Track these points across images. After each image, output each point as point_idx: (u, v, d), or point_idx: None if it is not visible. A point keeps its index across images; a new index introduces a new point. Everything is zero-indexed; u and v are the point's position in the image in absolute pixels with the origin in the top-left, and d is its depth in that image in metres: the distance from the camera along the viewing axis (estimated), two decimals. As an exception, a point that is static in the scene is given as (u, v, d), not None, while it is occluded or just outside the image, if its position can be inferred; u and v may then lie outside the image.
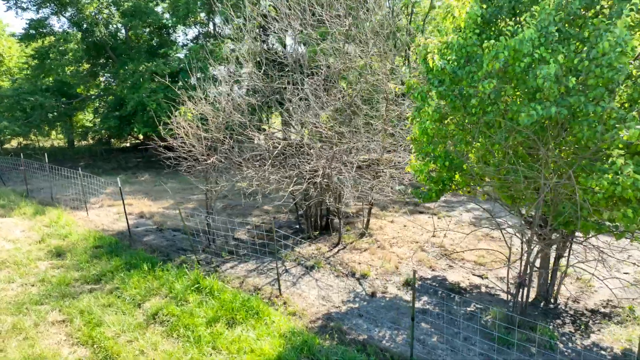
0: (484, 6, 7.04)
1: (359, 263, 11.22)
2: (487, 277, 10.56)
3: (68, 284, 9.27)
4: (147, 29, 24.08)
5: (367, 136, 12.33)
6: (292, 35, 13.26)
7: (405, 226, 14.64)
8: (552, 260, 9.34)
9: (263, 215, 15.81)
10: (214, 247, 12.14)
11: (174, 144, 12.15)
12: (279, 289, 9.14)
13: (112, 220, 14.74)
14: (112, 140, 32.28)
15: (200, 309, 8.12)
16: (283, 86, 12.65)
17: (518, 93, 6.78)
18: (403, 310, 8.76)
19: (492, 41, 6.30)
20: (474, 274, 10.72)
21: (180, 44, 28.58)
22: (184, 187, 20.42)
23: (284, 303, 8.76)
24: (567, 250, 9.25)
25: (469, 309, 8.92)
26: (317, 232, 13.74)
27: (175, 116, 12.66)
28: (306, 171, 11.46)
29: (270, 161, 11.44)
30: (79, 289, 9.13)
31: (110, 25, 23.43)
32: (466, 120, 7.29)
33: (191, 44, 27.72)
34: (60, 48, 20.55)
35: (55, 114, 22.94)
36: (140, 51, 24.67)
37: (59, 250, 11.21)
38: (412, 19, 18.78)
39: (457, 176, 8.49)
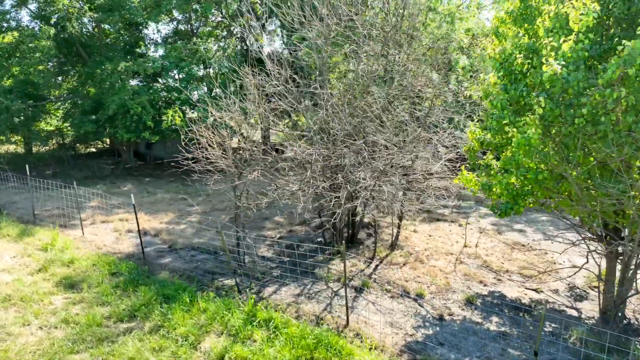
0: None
1: (407, 280, 10.57)
2: (542, 291, 10.21)
3: (99, 324, 7.95)
4: (119, 25, 22.13)
5: (410, 145, 11.66)
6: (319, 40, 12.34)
7: (430, 236, 14.14)
8: (617, 274, 9.09)
9: (278, 227, 14.79)
10: (245, 268, 11.05)
11: (196, 154, 10.93)
12: (347, 319, 8.28)
13: (113, 239, 13.20)
14: (77, 145, 29.70)
15: (272, 349, 7.13)
16: (315, 91, 11.73)
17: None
18: (482, 334, 8.18)
19: (625, 46, 5.81)
20: (527, 288, 10.35)
21: (153, 42, 26.70)
22: (175, 198, 18.92)
23: (357, 335, 7.93)
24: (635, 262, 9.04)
25: (546, 328, 8.48)
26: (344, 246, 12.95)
27: (193, 123, 11.43)
28: (352, 181, 10.66)
29: (309, 172, 10.52)
30: (114, 330, 7.84)
31: (81, 21, 21.32)
32: (570, 130, 6.78)
33: (164, 42, 25.92)
34: (30, 45, 18.37)
35: (22, 118, 20.56)
36: (116, 49, 22.70)
37: (70, 281, 9.73)
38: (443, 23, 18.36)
39: (536, 189, 7.99)
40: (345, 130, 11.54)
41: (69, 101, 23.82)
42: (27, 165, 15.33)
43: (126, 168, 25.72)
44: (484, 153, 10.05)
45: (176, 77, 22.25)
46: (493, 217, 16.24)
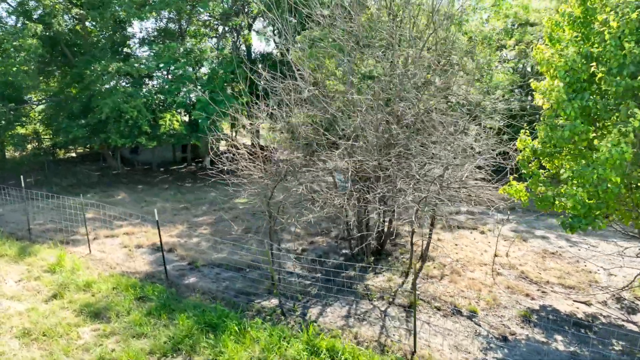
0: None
1: (452, 295, 10.09)
2: (591, 304, 9.94)
3: (142, 361, 7.07)
4: (110, 23, 20.75)
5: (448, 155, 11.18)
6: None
7: (456, 245, 13.76)
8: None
9: (297, 239, 14.05)
10: (279, 287, 10.29)
11: (228, 166, 10.13)
12: (414, 347, 7.69)
13: (124, 257, 12.16)
14: (56, 150, 27.91)
15: (348, 385, 6.47)
16: (351, 97, 11.09)
17: None
18: (552, 355, 7.77)
19: None
20: (576, 301, 10.05)
21: (140, 41, 25.32)
22: (177, 207, 17.85)
23: (428, 362, 7.36)
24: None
25: (614, 346, 8.16)
26: (373, 258, 12.41)
27: (217, 131, 10.61)
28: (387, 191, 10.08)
29: (349, 183, 9.87)
30: (161, 368, 6.98)
31: (66, 18, 19.86)
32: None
33: (152, 41, 24.60)
34: (14, 43, 16.86)
35: (3, 122, 18.92)
36: (103, 49, 21.33)
37: (93, 309, 8.73)
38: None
39: (612, 203, 7.64)
40: (381, 138, 10.98)
41: (51, 103, 22.16)
42: (21, 176, 13.97)
43: (114, 174, 24.28)
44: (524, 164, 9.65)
45: (170, 78, 21.06)
46: (512, 224, 16.05)
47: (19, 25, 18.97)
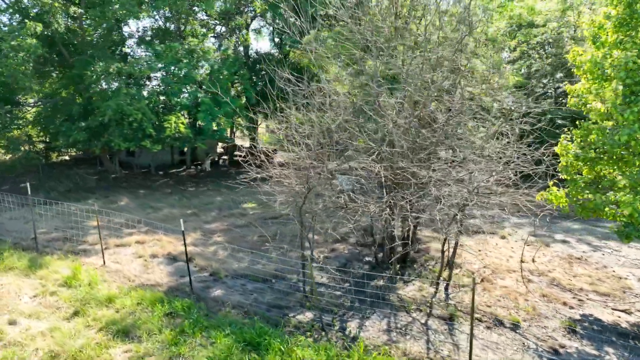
0: None
1: (489, 305, 9.81)
2: (631, 312, 9.74)
3: (186, 386, 6.58)
4: (111, 22, 20.03)
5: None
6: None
7: (479, 250, 13.50)
8: None
9: (316, 246, 13.59)
10: (311, 299, 9.86)
11: (266, 175, 9.69)
12: (471, 362, 7.35)
13: (140, 267, 11.58)
14: (50, 153, 26.93)
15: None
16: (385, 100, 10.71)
17: None
18: (609, 370, 7.51)
19: None
20: (615, 309, 9.85)
21: (137, 40, 24.57)
22: (184, 213, 17.24)
23: (487, 380, 7.02)
24: None
25: (668, 358, 7.94)
26: (398, 266, 12.06)
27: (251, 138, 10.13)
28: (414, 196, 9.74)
29: (384, 189, 9.51)
30: (207, 393, 6.50)
31: (65, 16, 19.07)
32: None
33: (149, 41, 23.87)
34: (12, 43, 16.04)
35: (0, 125, 18.07)
36: (103, 48, 20.57)
37: (120, 327, 8.19)
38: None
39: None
40: (410, 141, 10.63)
41: (47, 105, 21.28)
42: (27, 184, 13.25)
43: (112, 178, 23.47)
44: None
45: (172, 79, 20.40)
46: (529, 227, 15.87)
47: (14, 23, 18.13)
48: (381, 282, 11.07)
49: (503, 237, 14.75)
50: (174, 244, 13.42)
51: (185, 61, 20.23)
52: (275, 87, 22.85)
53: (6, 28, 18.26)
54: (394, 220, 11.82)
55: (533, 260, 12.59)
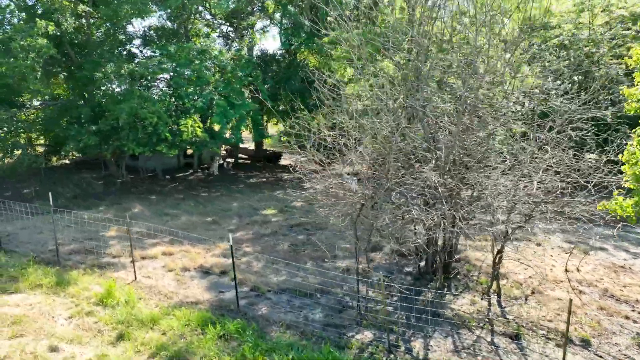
0: None
1: (550, 320, 9.41)
2: (698, 325, 9.41)
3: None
4: (119, 21, 19.23)
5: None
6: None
7: (519, 259, 13.09)
8: None
9: (348, 256, 13.05)
10: (366, 316, 9.33)
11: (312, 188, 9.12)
12: (560, 387, 6.89)
13: (174, 282, 10.92)
14: (51, 156, 25.90)
15: None
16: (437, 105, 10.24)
17: None
18: (700, 392, 7.12)
19: None
20: (681, 322, 9.50)
21: (142, 41, 23.74)
22: (204, 221, 16.55)
23: (582, 408, 6.57)
24: None
25: None
26: (443, 277, 11.62)
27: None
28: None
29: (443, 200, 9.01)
30: None
31: (75, 14, 18.20)
32: None
33: (156, 41, 23.06)
34: (22, 42, 15.17)
35: (5, 128, 17.14)
36: (112, 49, 19.75)
37: (172, 353, 7.57)
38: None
39: None
40: (459, 149, 10.18)
41: (53, 107, 20.34)
42: (49, 194, 12.49)
43: (119, 183, 22.60)
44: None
45: (186, 81, 19.65)
46: (561, 234, 15.55)
47: (20, 22, 17.22)
48: (429, 295, 10.60)
49: (539, 245, 14.40)
50: (202, 255, 12.77)
51: (197, 62, 19.51)
52: (288, 88, 22.29)
53: (9, 27, 17.37)
54: (438, 229, 11.40)
55: (578, 270, 12.24)
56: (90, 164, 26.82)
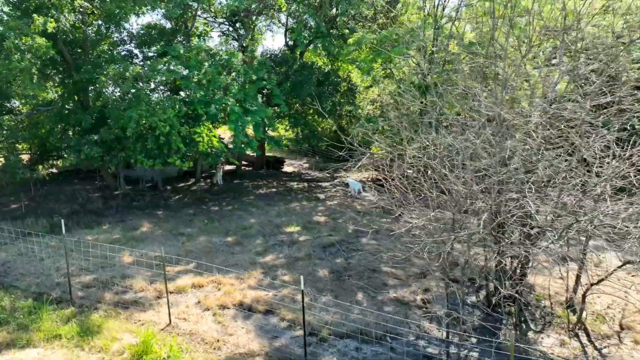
0: None
1: (660, 366, 8.20)
2: None
3: None
4: (122, 18, 17.38)
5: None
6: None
7: (592, 285, 11.93)
8: None
9: (400, 284, 11.67)
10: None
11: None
12: None
13: (216, 326, 9.33)
14: (39, 166, 23.63)
15: None
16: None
17: None
18: None
19: None
20: None
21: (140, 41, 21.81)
22: (227, 242, 14.87)
23: None
24: None
25: None
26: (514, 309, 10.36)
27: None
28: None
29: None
30: None
31: (72, 12, 16.27)
32: None
33: (157, 41, 21.19)
34: (16, 41, 13.24)
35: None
36: (112, 48, 17.88)
37: None
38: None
39: None
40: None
41: (44, 114, 18.30)
42: (54, 218, 10.69)
43: (119, 196, 20.59)
44: None
45: (196, 85, 17.90)
46: (610, 251, 14.49)
47: (11, 17, 15.19)
48: (507, 334, 9.32)
49: (597, 265, 13.29)
50: (237, 286, 11.18)
51: (206, 64, 17.81)
52: (303, 92, 20.74)
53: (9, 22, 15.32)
54: (505, 254, 10.15)
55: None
56: (83, 174, 24.67)
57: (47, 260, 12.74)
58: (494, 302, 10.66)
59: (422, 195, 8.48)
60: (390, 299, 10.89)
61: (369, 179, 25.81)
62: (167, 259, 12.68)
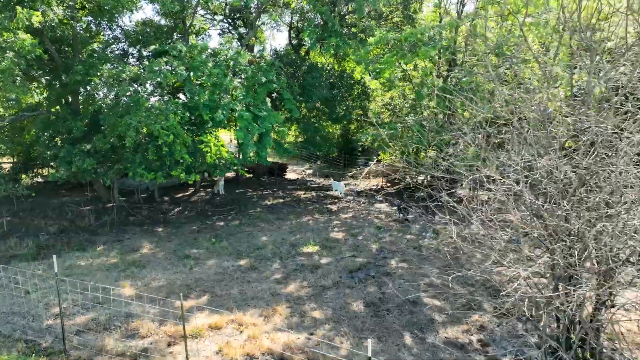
0: None
1: None
2: None
3: None
4: (119, 13, 15.59)
5: None
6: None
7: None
8: None
9: (447, 321, 10.10)
10: None
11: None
12: None
13: (244, 384, 7.63)
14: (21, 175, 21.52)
15: None
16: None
17: None
18: None
19: None
20: None
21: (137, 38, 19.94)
22: (239, 267, 13.19)
23: None
24: None
25: None
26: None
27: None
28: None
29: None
30: None
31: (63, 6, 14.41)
32: None
33: (156, 40, 19.34)
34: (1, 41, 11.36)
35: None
36: (105, 49, 16.04)
37: None
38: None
39: None
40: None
41: (29, 119, 16.35)
42: (54, 258, 8.98)
43: (114, 210, 18.67)
44: None
45: (200, 88, 16.13)
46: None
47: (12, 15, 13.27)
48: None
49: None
50: (261, 327, 9.50)
51: (210, 65, 16.06)
52: (315, 96, 19.09)
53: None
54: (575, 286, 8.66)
55: None
56: (71, 184, 22.65)
57: (34, 295, 10.90)
58: (561, 340, 9.17)
59: (525, 234, 6.90)
60: (442, 340, 9.32)
61: (378, 186, 24.31)
62: (175, 290, 11.00)
